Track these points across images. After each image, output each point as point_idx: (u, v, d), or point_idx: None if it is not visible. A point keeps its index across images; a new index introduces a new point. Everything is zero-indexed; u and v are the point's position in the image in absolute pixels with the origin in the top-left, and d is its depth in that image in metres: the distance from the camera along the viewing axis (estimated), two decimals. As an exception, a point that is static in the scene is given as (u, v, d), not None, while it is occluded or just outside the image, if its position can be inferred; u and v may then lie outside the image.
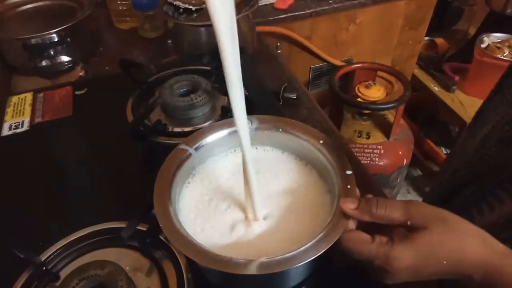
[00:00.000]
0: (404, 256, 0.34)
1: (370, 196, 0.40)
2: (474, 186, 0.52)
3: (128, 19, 1.00)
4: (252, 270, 0.34)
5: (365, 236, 0.36)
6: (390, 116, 1.33)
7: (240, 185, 0.44)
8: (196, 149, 0.47)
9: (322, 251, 0.35)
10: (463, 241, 0.34)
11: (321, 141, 0.46)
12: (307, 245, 0.36)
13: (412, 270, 0.35)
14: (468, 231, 0.35)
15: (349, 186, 0.40)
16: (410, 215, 0.36)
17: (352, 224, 0.39)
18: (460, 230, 0.35)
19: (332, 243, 0.36)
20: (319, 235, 0.37)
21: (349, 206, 0.38)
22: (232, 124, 0.49)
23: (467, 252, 0.34)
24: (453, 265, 0.34)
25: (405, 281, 0.36)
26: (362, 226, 0.39)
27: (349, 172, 0.42)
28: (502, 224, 0.45)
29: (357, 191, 0.41)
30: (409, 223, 0.35)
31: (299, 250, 0.36)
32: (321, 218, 0.42)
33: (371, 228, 0.37)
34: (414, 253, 0.34)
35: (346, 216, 0.38)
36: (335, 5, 1.14)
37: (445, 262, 0.34)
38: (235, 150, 0.50)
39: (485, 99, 0.58)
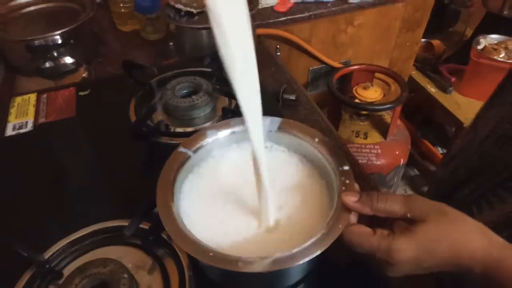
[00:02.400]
0: (406, 248, 0.34)
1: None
2: (473, 184, 0.52)
3: (130, 21, 1.00)
4: (255, 268, 0.34)
5: (366, 229, 0.37)
6: (387, 116, 1.33)
7: (241, 183, 0.45)
8: (195, 151, 0.47)
9: (326, 247, 0.35)
10: (463, 233, 0.35)
11: (316, 139, 0.46)
12: (310, 241, 0.36)
13: (414, 262, 0.35)
14: (468, 224, 0.36)
15: (347, 181, 0.41)
16: (410, 208, 0.36)
17: (353, 218, 0.39)
18: (460, 223, 0.35)
19: (335, 238, 0.36)
20: (322, 231, 0.37)
21: (351, 199, 0.38)
22: (231, 125, 0.49)
23: (467, 243, 0.34)
24: (454, 257, 0.34)
25: (406, 275, 0.36)
26: (364, 221, 0.39)
27: (346, 168, 0.42)
28: (502, 222, 0.46)
29: (357, 186, 0.41)
30: (409, 215, 0.36)
31: (302, 246, 0.36)
32: (324, 213, 0.42)
33: (372, 222, 0.38)
34: (415, 245, 0.34)
35: (347, 209, 0.38)
36: (334, 8, 1.15)
37: (445, 254, 0.34)
38: (235, 148, 0.50)
39: (487, 100, 0.58)
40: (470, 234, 0.35)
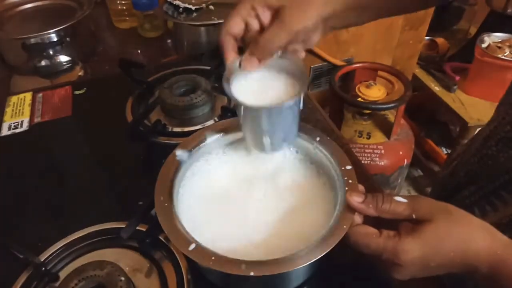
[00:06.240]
0: (412, 248, 0.34)
1: None
2: (473, 187, 0.52)
3: (127, 18, 1.00)
4: (258, 271, 0.34)
5: (372, 230, 0.37)
6: (390, 116, 1.32)
7: (241, 184, 0.45)
8: (194, 151, 0.46)
9: (330, 248, 0.35)
10: (469, 232, 0.35)
11: (318, 139, 0.46)
12: (314, 242, 0.35)
13: (420, 262, 0.34)
14: (473, 223, 0.36)
15: (350, 181, 0.40)
16: (415, 208, 0.36)
17: (358, 219, 0.39)
18: (465, 222, 0.35)
19: (339, 239, 0.35)
20: (325, 232, 0.36)
21: (356, 199, 0.38)
22: (229, 125, 0.48)
23: (473, 242, 0.34)
24: (460, 256, 0.34)
25: (412, 277, 0.36)
26: (369, 222, 0.38)
27: (348, 167, 0.42)
28: (505, 224, 0.45)
29: (361, 186, 0.41)
30: (414, 216, 0.36)
31: (306, 248, 0.35)
32: (327, 213, 0.41)
33: (377, 224, 0.37)
34: (421, 245, 0.34)
35: (351, 210, 0.38)
36: (335, 5, 1.13)
37: (452, 254, 0.34)
38: (233, 149, 0.50)
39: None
40: (475, 233, 0.35)
